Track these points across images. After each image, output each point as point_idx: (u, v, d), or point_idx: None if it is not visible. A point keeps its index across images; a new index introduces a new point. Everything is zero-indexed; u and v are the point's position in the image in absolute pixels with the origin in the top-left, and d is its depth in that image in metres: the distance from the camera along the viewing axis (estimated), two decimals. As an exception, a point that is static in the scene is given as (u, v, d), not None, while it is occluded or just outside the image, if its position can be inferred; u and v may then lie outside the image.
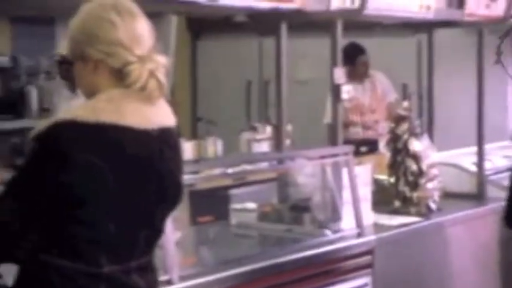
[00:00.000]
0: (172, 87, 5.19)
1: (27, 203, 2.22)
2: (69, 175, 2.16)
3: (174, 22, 3.64)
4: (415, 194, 4.42)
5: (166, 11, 3.57)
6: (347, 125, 5.82)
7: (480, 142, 5.13)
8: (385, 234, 4.14)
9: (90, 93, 2.30)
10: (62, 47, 5.46)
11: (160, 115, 2.33)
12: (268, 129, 5.62)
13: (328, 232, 3.92)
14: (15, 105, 6.56)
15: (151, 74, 2.25)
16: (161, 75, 2.27)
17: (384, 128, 5.62)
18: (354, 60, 6.06)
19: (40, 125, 2.22)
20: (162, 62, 2.28)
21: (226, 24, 5.81)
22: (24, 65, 6.63)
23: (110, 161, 2.21)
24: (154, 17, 2.41)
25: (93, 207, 2.20)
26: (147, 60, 2.24)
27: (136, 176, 2.27)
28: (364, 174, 4.16)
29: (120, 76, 2.25)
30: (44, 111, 6.52)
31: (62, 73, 5.69)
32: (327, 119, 5.56)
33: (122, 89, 2.25)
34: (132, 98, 2.25)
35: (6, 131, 6.42)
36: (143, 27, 2.29)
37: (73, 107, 2.27)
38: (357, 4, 4.25)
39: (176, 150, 2.44)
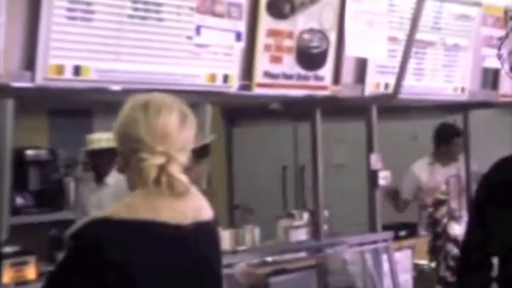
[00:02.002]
0: (208, 175, 5.20)
1: None
2: (104, 273, 2.15)
3: (209, 111, 3.68)
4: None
5: (202, 102, 3.62)
6: (422, 207, 5.75)
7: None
8: (428, 321, 4.06)
9: (131, 187, 2.32)
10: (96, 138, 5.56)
11: (195, 209, 2.32)
12: (305, 216, 5.58)
13: (369, 321, 3.86)
14: (54, 197, 6.60)
15: (161, 169, 2.24)
16: (174, 170, 2.26)
17: None
18: (449, 141, 5.99)
19: (77, 223, 2.23)
20: (178, 158, 2.26)
21: (260, 111, 5.84)
22: (62, 157, 6.69)
23: (145, 258, 2.19)
24: (189, 107, 2.42)
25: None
26: (158, 156, 2.24)
27: (172, 272, 2.25)
28: (404, 260, 4.11)
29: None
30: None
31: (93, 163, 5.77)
32: (405, 194, 5.57)
33: (156, 186, 2.25)
34: (165, 194, 2.25)
35: (45, 223, 6.45)
36: (168, 122, 2.28)
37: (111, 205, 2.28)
38: (391, 89, 4.27)
39: (214, 243, 2.42)
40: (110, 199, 5.04)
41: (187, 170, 4.36)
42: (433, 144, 5.95)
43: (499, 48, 3.94)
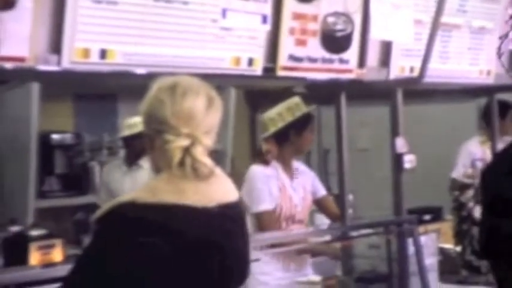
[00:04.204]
0: (232, 159, 5.18)
1: (91, 284, 2.21)
2: (129, 257, 2.16)
3: (233, 95, 3.67)
4: (482, 263, 4.32)
5: (226, 85, 3.60)
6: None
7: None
8: (453, 305, 4.05)
9: (156, 170, 2.32)
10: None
11: (220, 191, 2.32)
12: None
13: (395, 304, 3.85)
14: (79, 181, 6.64)
15: (186, 151, 2.24)
16: (198, 153, 2.25)
17: None
18: (503, 115, 5.91)
19: (102, 207, 2.23)
20: (203, 140, 2.26)
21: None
22: (87, 141, 6.73)
23: (170, 241, 2.19)
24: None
25: (153, 289, 2.19)
26: (183, 138, 2.24)
27: (198, 256, 2.25)
28: (429, 244, 4.09)
29: None
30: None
31: (126, 145, 5.82)
32: (456, 173, 5.54)
33: (180, 168, 2.25)
34: (189, 177, 2.25)
35: (70, 207, 6.50)
36: (194, 105, 2.28)
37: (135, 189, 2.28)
38: (416, 72, 4.24)
39: (240, 225, 2.42)
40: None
41: (290, 143, 4.51)
42: (483, 120, 5.91)
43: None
